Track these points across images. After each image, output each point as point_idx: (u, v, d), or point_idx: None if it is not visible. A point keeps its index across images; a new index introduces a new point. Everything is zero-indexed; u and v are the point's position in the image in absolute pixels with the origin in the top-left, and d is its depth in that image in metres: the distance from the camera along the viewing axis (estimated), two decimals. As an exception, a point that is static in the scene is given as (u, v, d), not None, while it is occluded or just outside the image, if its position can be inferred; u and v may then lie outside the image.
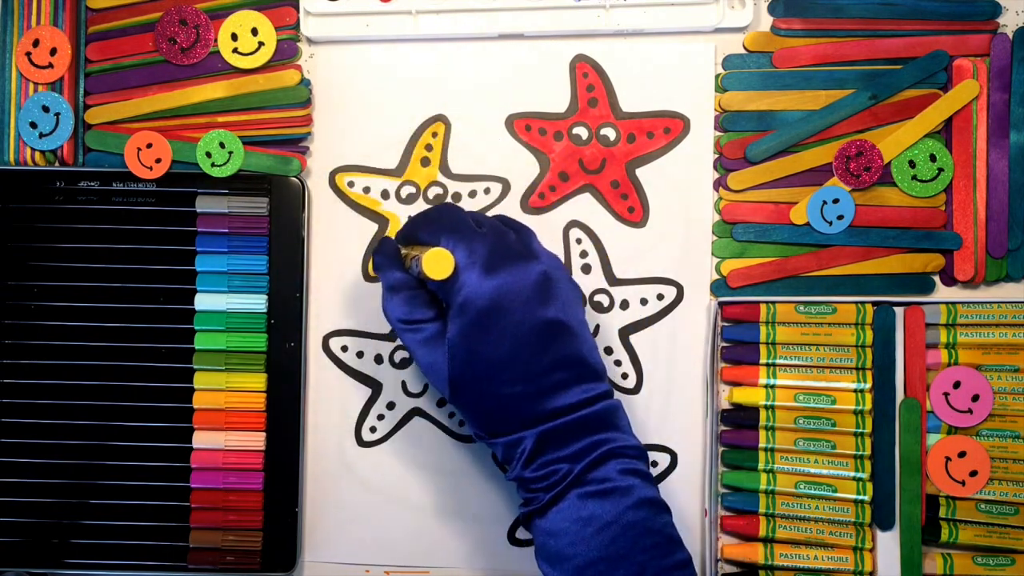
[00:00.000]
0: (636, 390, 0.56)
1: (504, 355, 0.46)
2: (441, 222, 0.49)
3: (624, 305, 0.56)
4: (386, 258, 0.50)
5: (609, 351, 0.56)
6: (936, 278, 0.56)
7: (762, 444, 0.55)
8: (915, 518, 0.54)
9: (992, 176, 0.55)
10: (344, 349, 0.57)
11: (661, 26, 0.56)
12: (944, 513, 0.54)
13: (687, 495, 0.56)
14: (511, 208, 0.57)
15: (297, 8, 0.56)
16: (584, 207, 0.56)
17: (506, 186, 0.57)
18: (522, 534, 0.56)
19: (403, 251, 0.51)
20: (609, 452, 0.46)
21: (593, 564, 0.45)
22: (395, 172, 0.57)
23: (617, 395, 0.51)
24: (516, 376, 0.46)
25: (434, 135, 0.57)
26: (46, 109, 0.55)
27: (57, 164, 0.56)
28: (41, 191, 0.56)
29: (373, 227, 0.57)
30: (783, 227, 0.56)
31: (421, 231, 0.49)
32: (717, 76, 0.56)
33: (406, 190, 0.57)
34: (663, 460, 0.56)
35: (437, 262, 0.46)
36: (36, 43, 0.55)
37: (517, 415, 0.46)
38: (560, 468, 0.46)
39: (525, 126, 0.57)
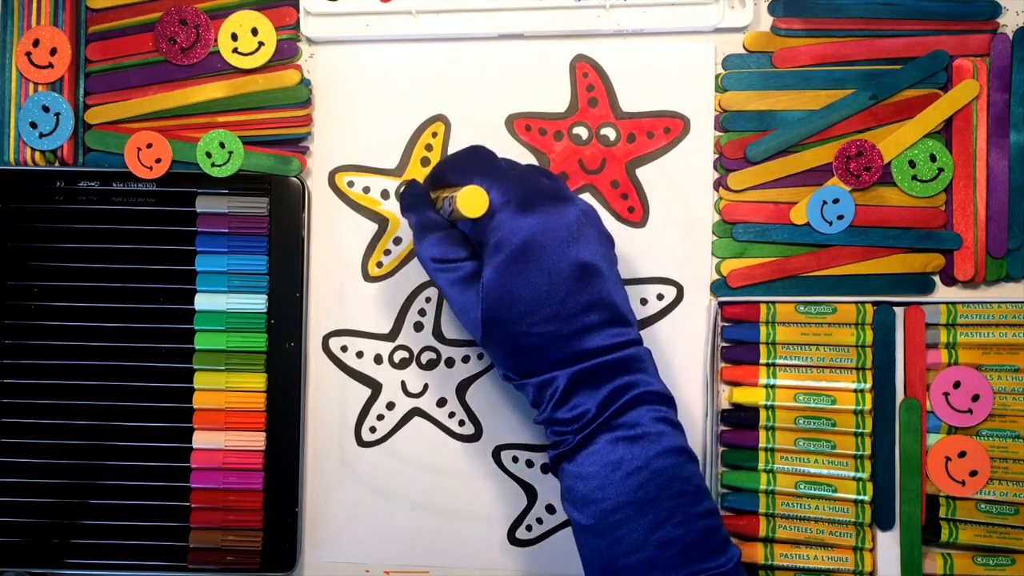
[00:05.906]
0: (636, 390, 0.56)
1: (538, 293, 0.45)
2: (472, 163, 0.48)
3: (624, 305, 0.56)
4: (416, 198, 0.50)
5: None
6: (936, 278, 0.56)
7: (762, 444, 0.55)
8: (915, 518, 0.54)
9: (992, 176, 0.55)
10: (344, 349, 0.57)
11: (661, 26, 0.56)
12: (944, 513, 0.54)
13: (687, 495, 0.56)
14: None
15: (297, 8, 0.56)
16: (584, 207, 0.57)
17: (506, 186, 0.57)
18: (522, 534, 0.56)
19: (433, 194, 0.50)
20: (639, 397, 0.46)
21: (621, 508, 0.44)
22: (395, 172, 0.57)
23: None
24: (549, 315, 0.45)
25: (434, 135, 0.57)
26: (46, 109, 0.55)
27: (57, 164, 0.56)
28: (41, 191, 0.56)
29: (373, 227, 0.57)
30: (783, 227, 0.56)
31: (452, 173, 0.49)
32: (717, 76, 0.56)
33: (406, 190, 0.57)
34: (663, 460, 0.56)
35: (472, 200, 0.45)
36: (36, 43, 0.55)
37: (549, 355, 0.46)
38: (590, 409, 0.45)
39: (525, 126, 0.57)
